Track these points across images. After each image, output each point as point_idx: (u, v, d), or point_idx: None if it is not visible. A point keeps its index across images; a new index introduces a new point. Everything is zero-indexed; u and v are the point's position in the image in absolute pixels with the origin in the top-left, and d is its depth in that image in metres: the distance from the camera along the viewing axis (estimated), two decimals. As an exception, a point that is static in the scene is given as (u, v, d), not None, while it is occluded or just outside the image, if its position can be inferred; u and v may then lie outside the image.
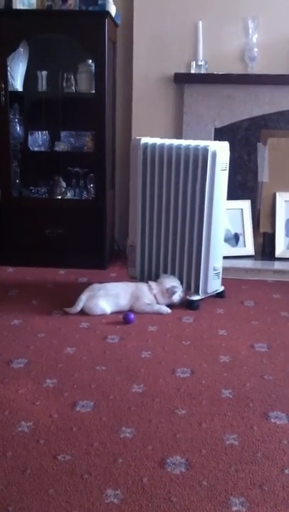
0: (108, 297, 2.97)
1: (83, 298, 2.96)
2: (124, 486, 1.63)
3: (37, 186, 3.93)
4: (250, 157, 4.18)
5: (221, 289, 3.28)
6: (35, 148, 3.82)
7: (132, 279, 3.33)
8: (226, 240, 3.68)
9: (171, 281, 3.09)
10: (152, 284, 3.10)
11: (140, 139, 3.21)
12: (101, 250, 3.82)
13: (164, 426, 1.95)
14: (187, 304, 3.10)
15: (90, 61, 3.69)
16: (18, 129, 3.83)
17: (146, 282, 3.13)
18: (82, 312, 2.95)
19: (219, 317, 3.01)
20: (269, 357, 2.53)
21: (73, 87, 3.77)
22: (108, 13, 3.56)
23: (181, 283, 3.15)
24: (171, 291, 3.04)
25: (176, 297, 3.06)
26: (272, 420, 2.00)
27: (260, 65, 3.82)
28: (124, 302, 3.00)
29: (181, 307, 3.08)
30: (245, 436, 1.90)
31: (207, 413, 2.04)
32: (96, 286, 3.03)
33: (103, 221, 3.78)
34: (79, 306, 2.95)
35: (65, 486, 1.62)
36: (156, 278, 3.19)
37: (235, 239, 3.88)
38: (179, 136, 3.88)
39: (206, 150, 2.98)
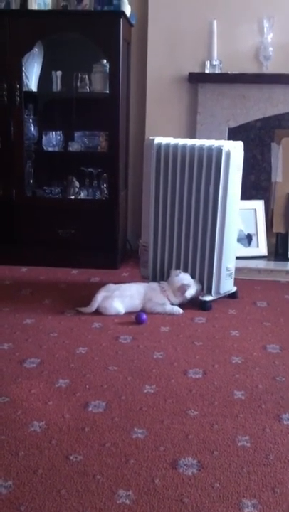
0: (123, 298, 2.98)
1: (98, 298, 2.96)
2: (136, 487, 1.63)
3: (50, 186, 3.94)
4: (263, 157, 4.16)
5: (234, 289, 3.27)
6: (49, 148, 3.83)
7: (145, 279, 3.33)
8: (239, 240, 3.66)
9: (181, 279, 3.07)
10: (164, 284, 3.10)
11: (154, 139, 3.21)
12: (114, 250, 3.82)
13: (176, 427, 1.95)
14: (200, 305, 3.09)
15: (105, 61, 3.70)
16: (33, 129, 3.85)
17: (158, 283, 3.13)
18: (95, 312, 2.96)
19: (231, 318, 3.00)
20: (281, 358, 2.52)
21: (87, 87, 3.78)
22: (123, 13, 3.56)
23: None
24: (182, 290, 3.03)
25: (189, 293, 3.05)
26: (285, 422, 1.99)
27: (275, 64, 3.81)
28: (138, 303, 3.01)
29: (194, 308, 3.07)
30: (258, 438, 1.89)
31: (219, 414, 2.03)
32: (111, 286, 3.04)
33: (116, 221, 3.78)
34: (94, 306, 2.95)
35: (76, 486, 1.63)
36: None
37: (248, 239, 3.87)
38: (192, 135, 3.88)
39: (219, 150, 2.97)
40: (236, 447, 1.84)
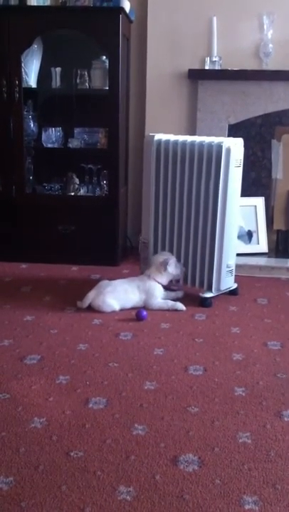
0: (116, 293, 2.97)
1: (90, 296, 2.96)
2: (137, 483, 1.63)
3: (50, 183, 3.93)
4: (264, 154, 4.15)
5: (234, 286, 3.27)
6: (49, 145, 3.82)
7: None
8: (239, 237, 3.66)
9: (162, 256, 3.11)
10: (150, 272, 3.09)
11: (154, 136, 3.20)
12: (114, 247, 3.82)
13: (177, 423, 1.94)
14: (200, 301, 3.09)
15: (104, 57, 3.69)
16: (32, 125, 3.84)
17: (147, 276, 3.10)
18: (94, 309, 2.96)
19: (232, 315, 2.99)
20: (282, 355, 2.51)
21: (87, 84, 3.77)
22: (122, 9, 3.55)
23: (194, 280, 3.15)
24: (164, 264, 3.05)
25: (172, 268, 3.07)
26: (286, 419, 1.99)
27: (275, 61, 3.80)
28: (135, 297, 3.00)
29: (194, 304, 3.07)
30: (258, 434, 1.89)
31: (220, 411, 2.03)
32: (103, 283, 3.03)
33: (116, 218, 3.78)
34: (85, 303, 2.96)
35: (77, 482, 1.63)
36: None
37: (248, 236, 3.86)
38: (192, 132, 3.87)
39: (220, 146, 2.96)
40: (237, 444, 1.83)
